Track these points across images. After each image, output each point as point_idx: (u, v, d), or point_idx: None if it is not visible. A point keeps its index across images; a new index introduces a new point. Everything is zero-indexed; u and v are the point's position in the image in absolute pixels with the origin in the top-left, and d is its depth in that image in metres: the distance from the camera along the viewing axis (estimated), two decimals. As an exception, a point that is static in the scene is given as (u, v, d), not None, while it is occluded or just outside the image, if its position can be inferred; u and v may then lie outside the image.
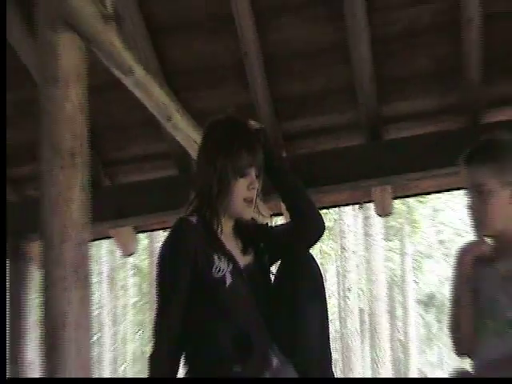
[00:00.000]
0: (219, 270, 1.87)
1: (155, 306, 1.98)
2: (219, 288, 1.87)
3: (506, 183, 1.91)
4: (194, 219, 1.91)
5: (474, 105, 3.55)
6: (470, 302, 1.96)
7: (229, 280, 1.87)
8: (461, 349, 2.01)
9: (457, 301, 1.99)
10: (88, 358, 2.13)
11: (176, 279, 1.91)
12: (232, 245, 1.97)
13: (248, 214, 1.97)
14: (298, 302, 1.97)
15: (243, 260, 1.97)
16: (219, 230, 1.93)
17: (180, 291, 1.89)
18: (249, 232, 2.06)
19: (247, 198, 1.94)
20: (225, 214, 1.95)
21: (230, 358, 1.87)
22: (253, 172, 1.94)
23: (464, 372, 1.97)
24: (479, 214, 1.95)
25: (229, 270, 1.88)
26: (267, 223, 2.22)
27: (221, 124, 2.03)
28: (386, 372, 13.46)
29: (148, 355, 1.92)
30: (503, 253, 1.95)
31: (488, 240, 1.98)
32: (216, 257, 1.88)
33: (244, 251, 2.01)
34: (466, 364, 2.03)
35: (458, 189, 3.71)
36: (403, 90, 3.67)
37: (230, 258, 1.91)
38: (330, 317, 2.09)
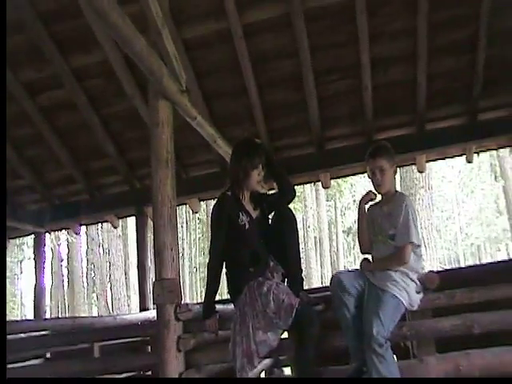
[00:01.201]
0: (242, 221, 3.43)
1: (210, 238, 3.56)
2: (242, 230, 3.42)
3: (389, 163, 3.43)
4: (229, 193, 3.50)
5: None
6: (366, 226, 3.48)
7: (247, 226, 3.43)
8: (363, 249, 3.52)
9: (359, 224, 3.57)
10: (177, 267, 3.57)
11: (220, 224, 3.45)
12: (249, 206, 3.54)
13: (259, 188, 3.58)
14: (284, 233, 3.50)
15: (254, 213, 3.54)
16: (242, 198, 3.52)
17: (222, 230, 3.42)
18: (258, 198, 3.62)
19: (258, 180, 3.56)
20: (246, 189, 3.53)
21: (247, 264, 3.39)
22: (260, 167, 3.52)
23: (365, 259, 3.46)
24: (378, 181, 3.42)
25: (247, 220, 3.44)
26: (267, 193, 3.80)
27: (242, 142, 3.72)
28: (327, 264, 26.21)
29: (207, 263, 3.53)
30: (386, 201, 3.45)
31: (378, 194, 3.49)
32: (240, 213, 3.43)
33: (255, 208, 3.57)
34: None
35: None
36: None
37: (248, 214, 3.48)
38: (300, 240, 3.78)
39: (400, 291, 3.18)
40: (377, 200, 3.58)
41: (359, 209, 3.56)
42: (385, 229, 3.37)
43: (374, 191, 3.54)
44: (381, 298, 3.14)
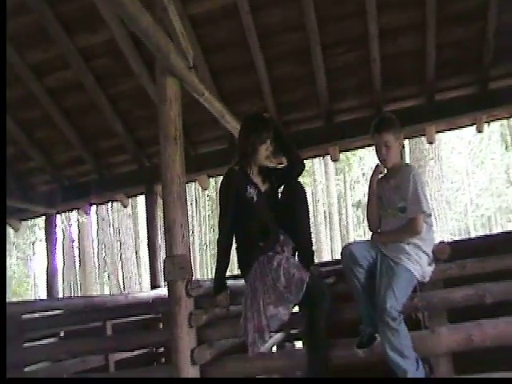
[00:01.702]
0: (249, 193, 3.41)
1: (219, 214, 3.56)
2: (250, 204, 3.41)
3: (395, 137, 3.38)
4: (236, 168, 3.48)
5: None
6: (376, 201, 3.45)
7: (255, 198, 3.41)
8: (372, 227, 3.48)
9: (369, 200, 3.53)
10: (187, 243, 3.58)
11: (228, 199, 3.44)
12: (257, 179, 3.52)
13: (267, 163, 3.57)
14: (294, 207, 3.48)
15: (263, 187, 3.53)
16: (250, 172, 3.49)
17: (230, 204, 3.41)
18: (266, 172, 3.60)
19: (266, 155, 3.54)
20: (254, 164, 3.51)
21: (257, 238, 3.38)
22: (268, 142, 3.50)
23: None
24: (384, 156, 3.36)
25: (255, 193, 3.42)
26: (275, 166, 3.80)
27: (250, 117, 3.70)
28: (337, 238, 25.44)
29: (217, 238, 3.53)
30: (393, 174, 3.40)
31: (384, 169, 3.45)
32: (248, 186, 3.41)
33: (263, 182, 3.56)
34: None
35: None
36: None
37: (256, 187, 3.46)
38: (310, 214, 3.77)
39: (413, 264, 3.17)
40: (383, 174, 3.53)
41: (370, 185, 3.51)
42: (394, 202, 3.35)
43: (381, 165, 3.50)
44: (394, 271, 3.14)
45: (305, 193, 3.65)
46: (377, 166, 3.50)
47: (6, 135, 6.16)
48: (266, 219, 3.48)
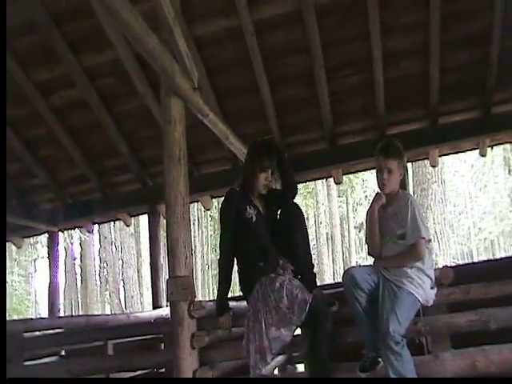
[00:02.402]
0: (249, 214, 3.42)
1: (220, 234, 3.59)
2: (249, 223, 3.41)
3: (399, 165, 3.40)
4: (238, 189, 3.50)
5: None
6: (376, 228, 3.41)
7: (254, 218, 3.42)
8: (373, 252, 3.45)
9: (370, 226, 3.47)
10: (190, 264, 3.59)
11: (228, 218, 3.45)
12: (257, 202, 3.53)
13: (264, 191, 3.54)
14: (291, 230, 3.48)
15: (263, 209, 3.54)
16: (251, 195, 3.51)
17: (231, 224, 3.42)
18: (266, 196, 3.58)
19: (264, 184, 3.53)
20: (254, 188, 3.52)
21: (256, 259, 3.38)
22: (269, 171, 3.51)
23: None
24: (384, 181, 3.35)
25: (254, 213, 3.43)
26: (276, 188, 3.76)
27: (256, 143, 3.69)
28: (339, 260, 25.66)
29: (218, 258, 3.54)
30: (390, 202, 3.39)
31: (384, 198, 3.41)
32: (248, 207, 3.43)
33: (264, 205, 3.57)
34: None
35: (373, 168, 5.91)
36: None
37: (256, 208, 3.47)
38: (310, 237, 3.76)
39: (416, 288, 3.16)
40: (383, 199, 3.50)
41: (372, 213, 3.46)
42: (392, 229, 3.35)
43: (382, 193, 3.47)
44: (397, 295, 3.12)
45: (302, 215, 3.66)
46: (377, 193, 3.48)
47: (11, 152, 6.24)
48: (265, 240, 3.48)
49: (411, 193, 9.06)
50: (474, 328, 3.26)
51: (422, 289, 3.18)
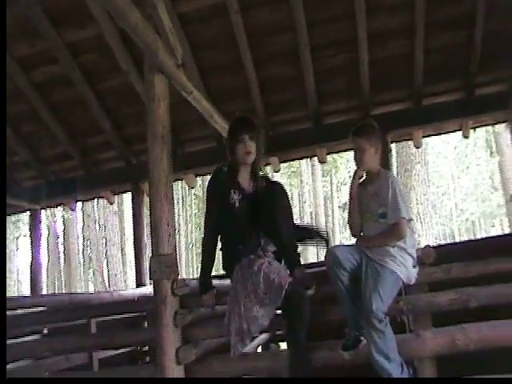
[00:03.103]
0: (232, 198, 3.34)
1: (205, 213, 3.51)
2: (232, 209, 3.34)
3: (372, 144, 3.38)
4: (225, 168, 3.44)
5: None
6: (357, 206, 3.44)
7: (237, 204, 3.32)
8: (354, 231, 3.49)
9: (350, 205, 3.50)
10: (173, 242, 3.55)
11: (212, 199, 3.43)
12: (244, 181, 3.45)
13: (247, 160, 3.39)
14: (273, 209, 3.37)
15: (250, 189, 3.45)
16: (238, 174, 3.43)
17: (215, 204, 3.40)
18: (260, 179, 3.50)
19: (244, 154, 3.37)
20: (240, 165, 3.45)
21: (236, 241, 3.33)
22: (245, 140, 3.35)
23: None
24: (357, 159, 3.40)
25: (238, 198, 3.34)
26: (272, 180, 3.63)
27: (234, 118, 3.63)
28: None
29: (201, 237, 3.50)
30: (371, 180, 3.40)
31: (363, 173, 3.44)
32: (232, 191, 3.33)
33: (251, 184, 3.47)
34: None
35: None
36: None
37: (240, 190, 3.38)
38: (295, 215, 3.75)
39: (399, 267, 3.18)
40: (362, 179, 3.52)
41: (350, 190, 3.50)
42: (373, 208, 3.37)
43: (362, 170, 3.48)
44: (380, 274, 3.15)
45: (286, 196, 3.57)
46: (356, 170, 3.50)
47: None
48: (246, 224, 3.41)
49: (395, 173, 9.11)
50: (454, 307, 3.30)
51: (404, 267, 3.21)
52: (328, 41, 5.66)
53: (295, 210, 27.52)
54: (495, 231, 34.11)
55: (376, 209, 3.35)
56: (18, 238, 31.24)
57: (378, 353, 3.01)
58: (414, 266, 3.30)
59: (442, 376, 3.32)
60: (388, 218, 3.27)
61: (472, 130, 6.85)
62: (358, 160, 3.43)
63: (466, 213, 36.85)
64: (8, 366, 4.37)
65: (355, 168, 3.51)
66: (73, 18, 5.49)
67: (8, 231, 27.25)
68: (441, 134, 7.00)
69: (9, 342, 4.53)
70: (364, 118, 5.77)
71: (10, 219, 20.01)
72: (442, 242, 24.72)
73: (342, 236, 29.84)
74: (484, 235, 33.31)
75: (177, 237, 3.84)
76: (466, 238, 31.24)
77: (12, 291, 31.18)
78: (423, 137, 6.68)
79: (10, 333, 4.68)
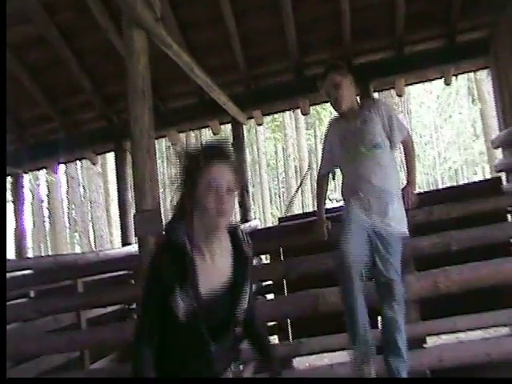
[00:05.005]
0: (173, 301, 1.74)
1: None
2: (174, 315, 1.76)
3: (345, 78, 3.28)
4: (173, 233, 1.81)
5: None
6: (338, 145, 3.36)
7: (181, 308, 1.74)
8: (321, 182, 3.60)
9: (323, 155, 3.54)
10: (157, 198, 3.65)
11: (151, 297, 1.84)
12: (214, 246, 1.84)
13: (224, 218, 1.78)
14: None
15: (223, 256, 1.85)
16: (200, 238, 1.82)
17: (153, 307, 1.82)
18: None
19: (218, 204, 1.75)
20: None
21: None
22: (221, 175, 1.77)
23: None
24: (335, 95, 3.28)
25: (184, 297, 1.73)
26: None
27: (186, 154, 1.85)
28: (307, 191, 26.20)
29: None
30: (356, 114, 3.29)
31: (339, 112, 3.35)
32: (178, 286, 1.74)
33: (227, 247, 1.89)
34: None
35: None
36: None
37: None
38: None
39: (403, 223, 3.13)
40: (336, 120, 3.48)
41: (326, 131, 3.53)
42: (367, 140, 3.20)
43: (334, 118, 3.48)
44: (389, 244, 3.04)
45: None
46: (330, 122, 3.50)
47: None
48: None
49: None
50: (436, 250, 3.38)
51: (405, 219, 3.15)
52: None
53: (280, 164, 27.59)
54: (477, 178, 34.51)
55: (370, 140, 3.20)
56: (1, 203, 31.03)
57: (398, 330, 2.95)
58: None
59: (425, 318, 3.42)
60: (394, 138, 3.22)
61: (454, 77, 6.85)
62: (338, 98, 3.29)
63: (448, 161, 37.18)
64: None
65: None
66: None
67: (-9, 196, 27.01)
68: (423, 81, 7.00)
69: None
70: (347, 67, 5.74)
71: (-7, 184, 19.79)
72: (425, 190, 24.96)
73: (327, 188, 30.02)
74: (466, 182, 33.71)
75: (162, 195, 3.78)
76: (449, 185, 31.58)
77: (-1, 256, 31.15)
78: (405, 85, 6.66)
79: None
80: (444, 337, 4.37)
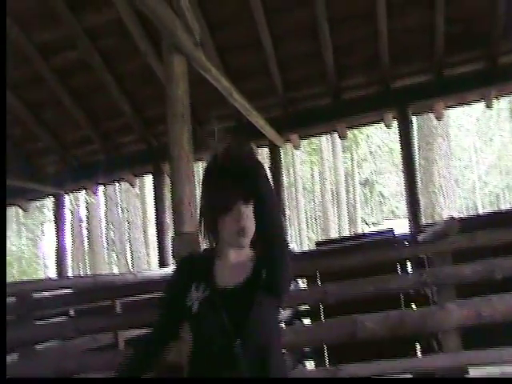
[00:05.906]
0: (190, 300, 1.75)
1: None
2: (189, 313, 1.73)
3: None
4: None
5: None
6: None
7: (195, 308, 1.72)
8: None
9: None
10: (195, 221, 3.64)
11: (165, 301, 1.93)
12: (230, 265, 1.78)
13: (242, 241, 1.73)
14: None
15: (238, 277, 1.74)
16: (218, 255, 1.81)
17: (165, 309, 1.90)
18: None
19: (237, 231, 1.70)
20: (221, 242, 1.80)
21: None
22: (238, 207, 1.66)
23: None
24: None
25: (198, 299, 1.73)
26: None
27: (207, 165, 1.76)
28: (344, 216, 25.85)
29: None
30: None
31: None
32: (194, 286, 1.77)
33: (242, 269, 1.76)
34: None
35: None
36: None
37: (212, 286, 1.75)
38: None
39: None
40: None
41: None
42: None
43: None
44: None
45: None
46: None
47: (14, 116, 6.20)
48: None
49: (416, 147, 8.98)
50: (479, 278, 3.28)
51: None
52: (346, 14, 5.58)
53: (316, 188, 27.46)
54: (520, 204, 33.72)
55: None
56: (42, 224, 31.70)
57: None
58: None
59: (466, 348, 3.31)
60: None
61: (495, 100, 6.73)
62: None
63: (489, 185, 36.45)
64: (36, 347, 4.49)
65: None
66: (90, 2, 5.50)
67: (33, 216, 27.70)
68: (463, 104, 6.90)
69: (37, 323, 4.65)
70: (386, 91, 5.72)
71: (35, 204, 20.29)
72: (465, 215, 24.51)
73: (364, 212, 29.79)
74: (509, 207, 32.93)
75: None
76: (490, 211, 30.90)
77: (39, 275, 31.74)
78: (444, 108, 6.58)
79: (38, 314, 4.81)
80: (489, 368, 4.20)
